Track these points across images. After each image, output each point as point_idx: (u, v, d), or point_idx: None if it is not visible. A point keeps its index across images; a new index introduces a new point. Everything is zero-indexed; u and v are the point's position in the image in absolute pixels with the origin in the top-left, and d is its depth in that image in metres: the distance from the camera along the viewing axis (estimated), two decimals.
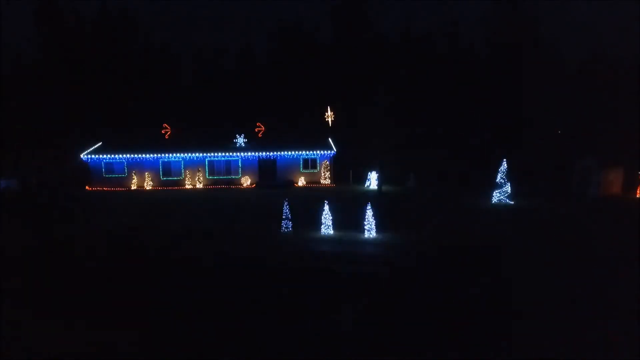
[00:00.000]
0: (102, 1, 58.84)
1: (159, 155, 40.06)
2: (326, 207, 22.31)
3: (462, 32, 60.22)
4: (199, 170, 40.07)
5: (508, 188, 29.61)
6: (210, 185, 40.03)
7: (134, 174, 39.79)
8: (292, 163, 40.58)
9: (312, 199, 30.48)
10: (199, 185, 39.74)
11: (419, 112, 50.20)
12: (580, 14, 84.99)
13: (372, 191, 36.41)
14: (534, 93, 51.17)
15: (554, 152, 43.45)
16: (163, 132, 42.23)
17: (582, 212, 26.75)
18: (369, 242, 20.74)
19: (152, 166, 40.11)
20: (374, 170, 37.56)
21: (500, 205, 29.17)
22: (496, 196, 29.87)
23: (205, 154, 40.07)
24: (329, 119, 44.74)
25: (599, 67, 53.31)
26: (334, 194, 34.32)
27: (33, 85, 53.62)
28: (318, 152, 40.35)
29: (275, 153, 40.24)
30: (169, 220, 25.88)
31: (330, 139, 41.91)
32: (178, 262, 18.08)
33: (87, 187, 39.71)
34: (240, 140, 41.05)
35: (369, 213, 21.50)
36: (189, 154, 39.98)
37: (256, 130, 42.81)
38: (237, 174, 40.40)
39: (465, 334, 11.53)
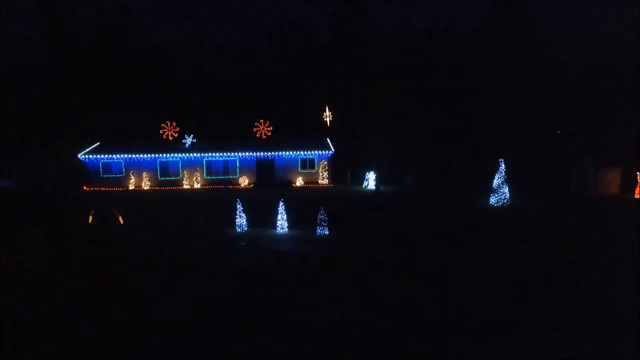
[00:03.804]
0: (101, 1, 58.88)
1: (157, 155, 40.00)
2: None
3: (462, 32, 60.26)
4: (196, 171, 40.01)
5: (506, 189, 29.53)
6: (208, 185, 39.96)
7: (132, 174, 39.73)
8: (290, 163, 40.52)
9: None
10: (197, 186, 39.67)
11: (417, 112, 50.13)
12: (579, 14, 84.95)
13: (370, 191, 36.37)
14: (533, 93, 51.15)
15: (552, 153, 43.38)
16: (161, 131, 42.06)
17: (580, 214, 26.72)
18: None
19: (149, 166, 40.05)
20: (372, 170, 37.51)
21: (497, 207, 29.12)
22: (494, 197, 29.79)
23: (203, 154, 40.00)
24: (327, 119, 44.70)
25: (598, 67, 53.30)
26: (330, 194, 34.32)
27: (31, 85, 53.59)
28: (316, 152, 40.30)
29: (273, 153, 40.19)
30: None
31: (328, 139, 41.86)
32: None
33: (84, 187, 39.64)
34: (238, 140, 40.96)
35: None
36: (187, 154, 39.93)
37: (254, 130, 42.74)
38: (235, 174, 40.34)
39: None
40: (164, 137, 41.93)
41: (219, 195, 34.91)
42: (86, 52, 56.17)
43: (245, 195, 34.24)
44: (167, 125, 42.19)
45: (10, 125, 48.49)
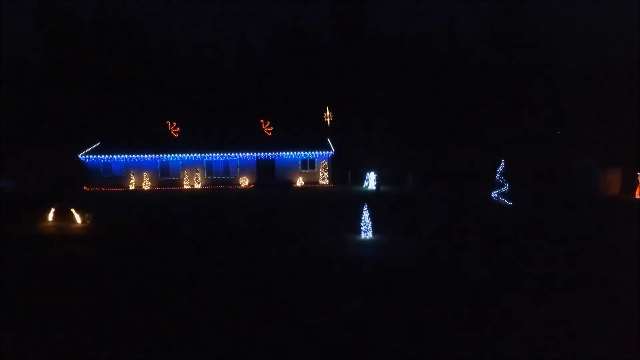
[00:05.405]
0: (101, 1, 58.79)
1: (157, 155, 39.99)
2: None
3: (462, 32, 60.18)
4: (197, 171, 40.02)
5: (506, 189, 29.55)
6: (208, 185, 39.95)
7: (132, 174, 39.69)
8: (291, 163, 40.53)
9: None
10: (197, 186, 39.66)
11: (417, 112, 50.08)
12: (580, 14, 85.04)
13: (370, 191, 36.36)
14: (533, 93, 51.14)
15: (553, 153, 43.39)
16: (168, 125, 41.92)
17: (582, 213, 26.76)
18: None
19: (150, 166, 40.03)
20: (372, 170, 37.50)
21: (498, 207, 29.16)
22: (494, 197, 29.82)
23: (203, 154, 40.01)
24: (328, 120, 44.67)
25: (598, 67, 53.28)
26: (329, 194, 34.35)
27: (32, 85, 53.51)
28: (316, 152, 40.33)
29: (273, 153, 40.20)
30: None
31: (328, 140, 41.85)
32: None
33: (85, 188, 39.60)
34: (239, 140, 40.93)
35: None
36: (187, 154, 39.91)
37: (255, 130, 42.72)
38: (236, 174, 40.33)
39: None
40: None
41: (221, 196, 34.95)
42: (86, 52, 56.08)
43: (246, 195, 34.31)
44: (168, 124, 42.10)
45: (11, 125, 48.47)
